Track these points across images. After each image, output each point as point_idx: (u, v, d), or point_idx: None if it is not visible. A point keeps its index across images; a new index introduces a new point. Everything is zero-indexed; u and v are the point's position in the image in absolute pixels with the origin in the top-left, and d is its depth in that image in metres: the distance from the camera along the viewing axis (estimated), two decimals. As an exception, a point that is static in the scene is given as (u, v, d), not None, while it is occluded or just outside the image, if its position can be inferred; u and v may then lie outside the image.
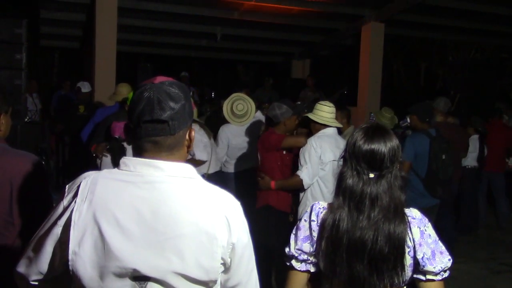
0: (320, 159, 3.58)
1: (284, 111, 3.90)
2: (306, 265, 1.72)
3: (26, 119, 6.46)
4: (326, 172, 3.61)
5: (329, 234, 1.64)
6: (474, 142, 6.24)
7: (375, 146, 1.63)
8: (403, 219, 1.63)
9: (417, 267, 1.65)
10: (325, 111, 3.70)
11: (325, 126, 3.71)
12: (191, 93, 6.23)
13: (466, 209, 6.30)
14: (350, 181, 1.65)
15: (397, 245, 1.60)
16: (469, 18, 8.88)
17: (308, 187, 3.64)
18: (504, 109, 7.44)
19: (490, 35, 10.28)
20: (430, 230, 1.67)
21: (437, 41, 14.41)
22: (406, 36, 12.04)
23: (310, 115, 3.75)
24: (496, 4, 8.02)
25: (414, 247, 1.63)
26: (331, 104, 3.77)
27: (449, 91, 9.34)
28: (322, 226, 1.67)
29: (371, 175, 1.63)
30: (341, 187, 1.67)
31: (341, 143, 3.66)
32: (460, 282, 4.52)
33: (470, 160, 6.16)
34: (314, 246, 1.68)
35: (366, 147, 1.64)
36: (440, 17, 8.73)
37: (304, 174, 3.57)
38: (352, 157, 1.66)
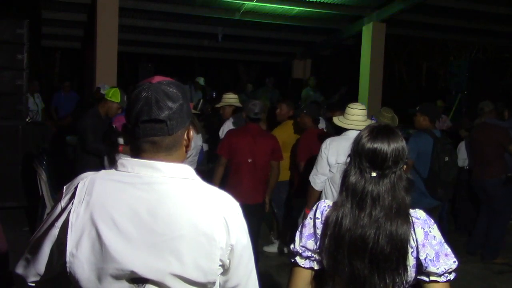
0: (327, 161, 3.65)
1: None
2: (310, 262, 1.73)
3: (27, 119, 6.48)
4: (334, 174, 3.65)
5: (332, 231, 1.65)
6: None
7: (377, 145, 1.64)
8: (406, 220, 1.62)
9: (420, 268, 1.64)
10: (351, 114, 3.70)
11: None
12: (201, 99, 6.26)
13: (465, 210, 6.26)
14: (353, 179, 1.66)
15: (399, 246, 1.59)
16: (470, 18, 8.87)
17: (320, 188, 3.75)
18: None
19: (492, 35, 10.27)
20: (435, 231, 1.66)
21: (438, 41, 14.40)
22: (407, 36, 12.04)
23: (335, 118, 3.79)
24: (497, 4, 8.01)
25: (417, 248, 1.62)
26: (360, 106, 3.74)
27: (451, 91, 9.33)
28: (325, 223, 1.68)
29: (373, 174, 1.64)
30: (344, 184, 1.69)
31: None
32: (461, 282, 4.50)
33: (468, 161, 6.10)
34: (318, 243, 1.69)
35: (368, 145, 1.64)
36: (441, 17, 8.73)
37: (311, 177, 3.78)
38: (355, 155, 1.68)
